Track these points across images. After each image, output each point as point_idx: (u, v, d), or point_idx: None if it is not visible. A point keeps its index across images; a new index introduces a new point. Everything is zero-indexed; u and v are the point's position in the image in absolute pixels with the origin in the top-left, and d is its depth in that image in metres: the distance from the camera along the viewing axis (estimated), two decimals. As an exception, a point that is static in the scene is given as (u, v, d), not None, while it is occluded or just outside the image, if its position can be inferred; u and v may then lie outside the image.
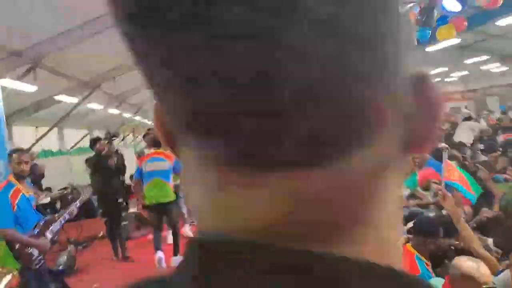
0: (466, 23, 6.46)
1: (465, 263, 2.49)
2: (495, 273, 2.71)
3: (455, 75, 24.93)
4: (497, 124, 12.67)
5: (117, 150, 6.55)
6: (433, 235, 3.03)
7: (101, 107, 10.98)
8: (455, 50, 23.18)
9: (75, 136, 13.67)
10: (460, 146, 8.02)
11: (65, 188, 9.21)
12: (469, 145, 8.50)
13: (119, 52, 8.74)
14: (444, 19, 6.07)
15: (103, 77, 9.62)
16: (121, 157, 6.46)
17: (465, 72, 24.27)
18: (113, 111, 12.01)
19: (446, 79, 25.15)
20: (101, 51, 8.03)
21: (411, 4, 5.56)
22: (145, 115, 16.87)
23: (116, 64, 9.19)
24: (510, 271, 2.73)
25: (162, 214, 5.66)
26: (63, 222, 4.02)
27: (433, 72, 21.92)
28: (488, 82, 26.00)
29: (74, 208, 4.27)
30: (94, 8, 6.33)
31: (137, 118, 15.19)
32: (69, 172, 10.27)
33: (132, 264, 6.11)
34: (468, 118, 10.43)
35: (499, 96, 25.96)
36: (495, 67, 23.32)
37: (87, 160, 6.98)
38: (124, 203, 7.61)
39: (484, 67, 22.91)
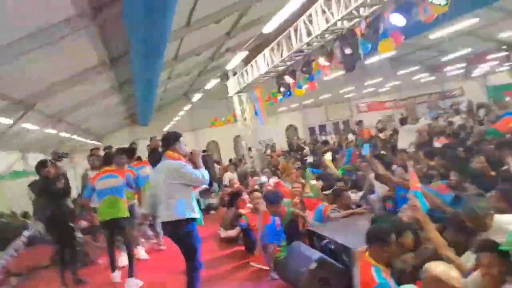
0: (403, 37, 6.86)
1: (437, 268, 2.54)
2: (465, 276, 2.80)
3: (389, 85, 26.36)
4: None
5: (63, 173, 6.19)
6: (387, 242, 3.13)
7: (36, 127, 10.26)
8: (389, 62, 24.60)
9: (4, 159, 12.64)
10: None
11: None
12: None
13: (56, 70, 8.37)
14: (384, 33, 6.37)
15: (39, 96, 9.01)
16: (66, 179, 6.06)
17: (397, 82, 25.79)
18: (50, 131, 11.28)
19: (380, 89, 26.56)
20: (36, 69, 7.56)
21: (357, 19, 5.81)
22: (84, 134, 16.07)
23: (52, 81, 8.67)
24: (480, 270, 2.84)
25: (116, 230, 5.63)
26: (9, 259, 3.61)
27: (370, 82, 23.07)
28: (418, 91, 27.83)
29: (20, 243, 3.86)
30: (28, 24, 6.02)
31: (75, 137, 14.40)
32: (4, 198, 9.44)
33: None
34: (405, 119, 10.91)
35: (427, 104, 27.85)
36: (424, 77, 25.05)
37: (30, 185, 6.54)
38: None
39: (415, 77, 24.44)
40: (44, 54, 6.88)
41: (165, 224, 4.27)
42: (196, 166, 4.23)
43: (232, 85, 11.94)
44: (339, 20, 5.73)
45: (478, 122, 13.32)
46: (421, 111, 26.59)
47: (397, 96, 28.30)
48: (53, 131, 11.64)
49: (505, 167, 4.96)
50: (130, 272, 5.45)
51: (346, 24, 6.00)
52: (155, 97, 13.91)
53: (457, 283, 2.58)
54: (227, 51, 12.06)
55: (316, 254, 4.38)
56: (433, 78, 26.15)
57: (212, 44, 11.98)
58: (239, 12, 9.77)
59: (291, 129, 26.87)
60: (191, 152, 4.36)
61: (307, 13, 6.32)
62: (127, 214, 5.63)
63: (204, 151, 4.56)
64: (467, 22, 10.06)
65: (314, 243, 5.06)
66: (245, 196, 6.33)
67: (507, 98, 19.40)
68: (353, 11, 5.46)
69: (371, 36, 5.33)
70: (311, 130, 27.14)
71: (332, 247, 4.66)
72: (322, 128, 27.20)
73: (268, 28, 6.40)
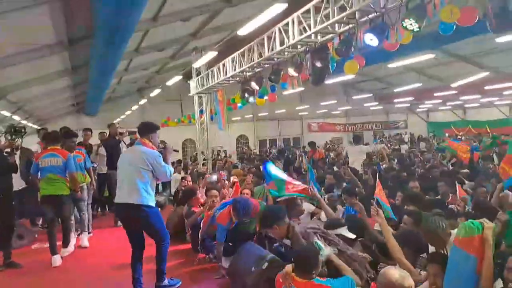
0: (364, 61, 7.14)
1: (394, 274, 2.61)
2: (416, 285, 2.92)
3: (341, 109, 27.34)
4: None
5: (17, 146, 6.00)
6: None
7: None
8: (342, 87, 25.57)
9: None
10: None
11: None
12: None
13: (9, 41, 7.81)
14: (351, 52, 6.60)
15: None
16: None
17: (349, 107, 26.83)
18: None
19: (332, 112, 27.49)
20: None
21: (330, 35, 5.98)
22: (26, 116, 15.05)
23: (3, 52, 8.09)
24: (428, 280, 2.98)
25: (55, 206, 5.79)
26: None
27: (325, 103, 23.80)
28: (365, 118, 29.18)
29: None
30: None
31: (16, 117, 13.42)
32: None
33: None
34: (359, 137, 11.39)
35: (373, 131, 29.26)
36: (373, 106, 26.28)
37: None
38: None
39: (367, 104, 25.52)
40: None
41: (123, 206, 4.30)
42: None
43: (195, 84, 11.78)
44: (314, 33, 5.86)
45: (420, 152, 14.29)
46: (366, 137, 27.93)
47: (346, 120, 29.46)
48: (-8, 109, 10.80)
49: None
50: (66, 242, 5.93)
51: (320, 38, 6.15)
52: (108, 86, 13.47)
53: None
54: (194, 50, 11.92)
55: (268, 255, 4.41)
56: (380, 107, 27.51)
57: (176, 42, 11.82)
58: (209, 14, 9.75)
59: (242, 139, 26.97)
60: (165, 146, 4.61)
61: (284, 22, 6.41)
62: (66, 192, 5.84)
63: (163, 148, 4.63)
64: (423, 57, 10.68)
65: (265, 246, 5.09)
66: (198, 194, 6.25)
67: (447, 135, 20.81)
68: (329, 26, 5.61)
69: (343, 53, 5.49)
70: (262, 143, 27.40)
71: (283, 250, 4.71)
72: (273, 142, 27.57)
73: (244, 30, 6.42)
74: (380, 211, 3.38)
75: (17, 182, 6.34)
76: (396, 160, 11.30)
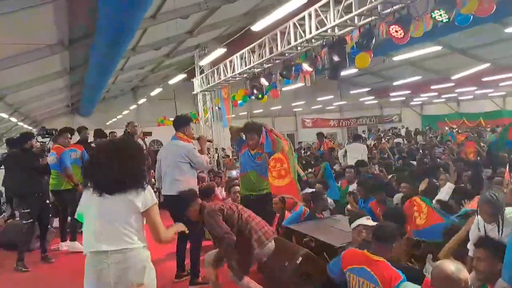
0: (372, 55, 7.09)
1: (449, 266, 2.54)
2: None
3: (336, 104, 27.37)
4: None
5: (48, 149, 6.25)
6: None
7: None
8: (337, 81, 25.58)
9: None
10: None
11: None
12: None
13: (11, 41, 7.58)
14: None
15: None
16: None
17: (343, 102, 26.86)
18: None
19: (327, 107, 27.51)
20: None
21: (350, 28, 5.91)
22: (22, 117, 14.70)
23: (3, 54, 7.84)
24: (474, 265, 2.94)
25: (57, 200, 6.32)
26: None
27: (321, 99, 23.80)
28: (360, 113, 29.28)
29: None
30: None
31: (13, 119, 13.14)
32: None
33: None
34: (358, 136, 11.27)
35: (368, 126, 29.38)
36: (369, 100, 26.37)
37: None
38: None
39: (362, 99, 25.59)
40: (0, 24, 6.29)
41: (168, 198, 4.59)
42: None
43: (198, 82, 11.63)
44: (332, 26, 5.78)
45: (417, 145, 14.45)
46: (360, 132, 28.00)
47: (340, 115, 29.51)
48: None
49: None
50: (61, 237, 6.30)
51: (338, 32, 6.08)
52: (105, 86, 13.27)
53: (465, 284, 2.61)
54: (198, 48, 11.78)
55: (301, 250, 4.36)
56: (375, 102, 27.61)
57: (173, 40, 11.67)
58: (206, 11, 9.64)
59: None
60: (199, 138, 4.88)
61: (299, 16, 6.32)
62: (66, 187, 6.20)
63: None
64: (429, 49, 10.69)
65: (292, 241, 5.03)
66: (217, 191, 6.19)
67: (446, 128, 20.99)
68: (348, 20, 5.54)
69: (364, 46, 5.43)
70: (257, 140, 27.26)
71: (313, 245, 4.66)
72: (268, 139, 27.42)
73: (258, 26, 6.32)
74: None
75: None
76: (397, 155, 11.34)
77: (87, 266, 2.57)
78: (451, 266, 2.53)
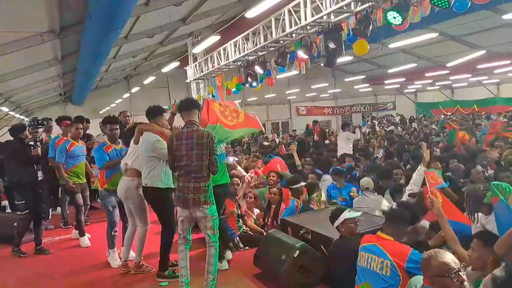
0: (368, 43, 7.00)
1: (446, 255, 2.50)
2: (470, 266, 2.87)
3: (330, 92, 27.29)
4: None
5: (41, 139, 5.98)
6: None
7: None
8: (331, 68, 25.45)
9: None
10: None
11: None
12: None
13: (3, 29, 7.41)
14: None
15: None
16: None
17: (338, 90, 26.78)
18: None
19: (321, 95, 27.43)
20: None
21: (346, 14, 5.82)
22: (12, 106, 14.49)
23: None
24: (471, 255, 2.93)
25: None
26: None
27: (315, 86, 23.71)
28: (354, 101, 29.24)
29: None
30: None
31: (4, 109, 12.92)
32: None
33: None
34: (347, 124, 11.19)
35: (362, 113, 29.39)
36: (363, 88, 26.32)
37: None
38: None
39: (356, 87, 25.52)
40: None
41: (147, 189, 4.42)
42: None
43: (192, 71, 11.49)
44: (328, 13, 5.69)
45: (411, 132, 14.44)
46: (355, 120, 28.01)
47: (334, 103, 29.47)
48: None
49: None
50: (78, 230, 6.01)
51: (334, 18, 5.98)
52: (98, 73, 13.11)
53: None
54: (191, 36, 11.61)
55: (298, 242, 4.32)
56: (369, 89, 27.57)
57: (166, 28, 11.50)
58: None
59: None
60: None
61: (294, 2, 6.21)
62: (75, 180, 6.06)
63: None
64: (427, 36, 10.60)
65: (288, 233, 4.99)
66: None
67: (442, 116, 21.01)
68: (344, 6, 5.45)
69: (361, 32, 5.35)
70: (250, 128, 27.21)
71: (310, 238, 4.62)
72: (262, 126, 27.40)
73: (253, 13, 6.20)
74: (435, 201, 3.31)
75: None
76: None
77: None
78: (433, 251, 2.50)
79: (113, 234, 4.96)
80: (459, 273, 2.22)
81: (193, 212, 3.87)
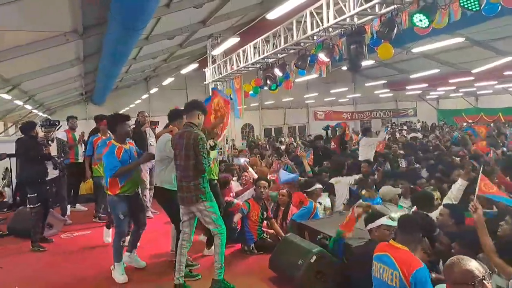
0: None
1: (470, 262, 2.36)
2: (510, 278, 2.72)
3: (349, 96, 26.99)
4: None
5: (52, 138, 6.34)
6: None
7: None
8: (351, 72, 25.18)
9: None
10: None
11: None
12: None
13: (26, 29, 7.51)
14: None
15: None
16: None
17: (358, 95, 26.45)
18: (4, 96, 10.12)
19: (340, 100, 27.14)
20: (3, 25, 6.72)
21: (371, 17, 5.69)
22: (36, 105, 14.75)
23: (16, 42, 7.79)
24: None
25: None
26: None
27: (335, 91, 23.47)
28: (374, 106, 28.84)
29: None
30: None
31: (28, 107, 13.19)
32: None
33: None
34: (367, 129, 10.93)
35: (382, 119, 28.96)
36: (384, 93, 25.93)
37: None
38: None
39: (376, 92, 25.18)
40: (17, 10, 6.20)
41: (156, 189, 4.73)
42: None
43: (210, 72, 11.48)
44: (352, 15, 5.56)
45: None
46: (374, 126, 27.60)
47: (353, 108, 29.13)
48: (7, 97, 10.52)
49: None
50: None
51: (357, 21, 5.85)
52: (119, 74, 13.24)
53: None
54: (210, 37, 11.62)
55: (315, 247, 4.24)
56: (390, 95, 27.17)
57: (187, 29, 11.52)
58: (220, 1, 9.47)
59: (247, 128, 26.72)
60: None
61: (316, 4, 6.11)
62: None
63: None
64: (452, 41, 10.35)
65: (305, 238, 4.91)
66: (232, 184, 6.14)
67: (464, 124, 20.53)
68: (368, 8, 5.32)
69: (385, 35, 5.20)
70: (267, 131, 27.16)
71: (327, 242, 4.53)
72: (278, 130, 27.35)
73: (274, 14, 6.13)
74: (479, 207, 3.18)
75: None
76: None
77: None
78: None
79: (121, 244, 4.67)
80: (483, 281, 2.11)
81: (190, 209, 4.12)
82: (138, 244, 5.02)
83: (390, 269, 2.92)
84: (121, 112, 15.29)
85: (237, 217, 5.36)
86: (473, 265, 2.18)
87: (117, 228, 4.64)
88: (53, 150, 6.20)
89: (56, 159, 6.17)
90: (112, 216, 4.83)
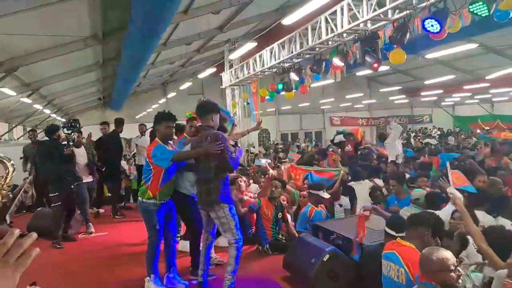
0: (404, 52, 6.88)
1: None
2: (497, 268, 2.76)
3: (365, 102, 26.92)
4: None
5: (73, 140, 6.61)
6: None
7: (13, 93, 9.47)
8: (367, 79, 25.15)
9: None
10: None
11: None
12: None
13: (45, 34, 7.77)
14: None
15: (21, 60, 8.34)
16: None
17: (373, 101, 26.37)
18: (25, 100, 10.47)
19: (356, 105, 27.09)
20: (25, 30, 7.00)
21: (384, 22, 5.80)
22: (54, 109, 15.14)
23: (37, 47, 8.08)
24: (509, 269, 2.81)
25: None
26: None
27: (350, 96, 23.46)
28: (389, 112, 28.67)
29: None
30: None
31: (47, 111, 13.56)
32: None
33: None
34: (383, 136, 10.97)
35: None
36: (399, 99, 25.80)
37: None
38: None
39: (392, 98, 25.07)
40: (37, 17, 6.48)
41: (174, 193, 4.48)
42: None
43: (228, 77, 11.67)
44: (365, 21, 5.68)
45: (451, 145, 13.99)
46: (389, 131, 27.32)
47: (369, 114, 29.03)
48: (28, 101, 10.85)
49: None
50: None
51: (370, 26, 5.97)
52: (137, 79, 13.49)
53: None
54: (228, 42, 11.81)
55: (328, 246, 4.33)
56: (405, 101, 27.02)
57: (204, 35, 11.74)
58: (237, 6, 9.65)
59: (263, 133, 26.85)
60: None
61: (331, 10, 6.25)
62: None
63: None
64: (465, 47, 10.35)
65: (319, 238, 5.00)
66: (241, 183, 6.23)
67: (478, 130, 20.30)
68: (381, 14, 5.44)
69: (398, 40, 5.31)
70: (283, 136, 27.26)
71: (340, 243, 4.61)
72: (295, 135, 27.41)
73: (289, 20, 6.29)
74: (459, 196, 3.29)
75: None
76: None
77: None
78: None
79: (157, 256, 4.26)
80: (458, 267, 2.39)
81: (210, 213, 4.02)
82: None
83: (396, 265, 2.98)
84: (137, 116, 15.52)
85: (243, 211, 5.49)
86: (449, 254, 2.44)
87: (154, 239, 4.23)
88: (82, 156, 6.70)
89: (93, 164, 6.68)
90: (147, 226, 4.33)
